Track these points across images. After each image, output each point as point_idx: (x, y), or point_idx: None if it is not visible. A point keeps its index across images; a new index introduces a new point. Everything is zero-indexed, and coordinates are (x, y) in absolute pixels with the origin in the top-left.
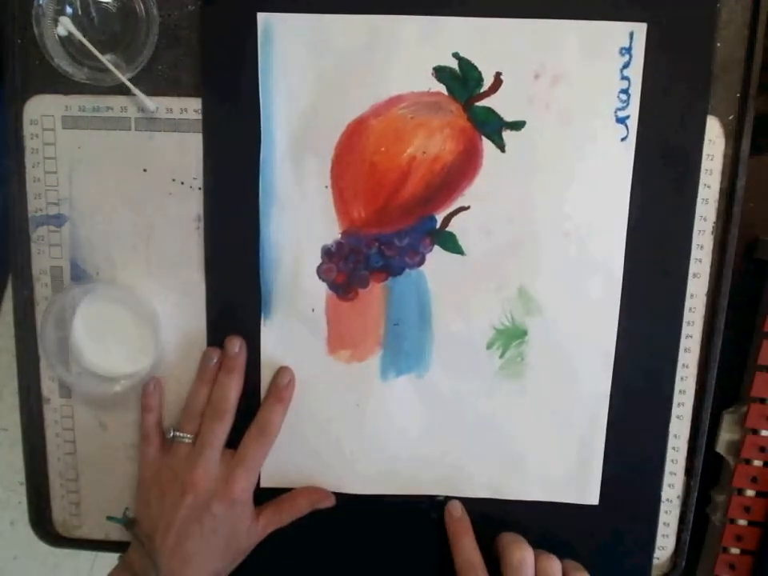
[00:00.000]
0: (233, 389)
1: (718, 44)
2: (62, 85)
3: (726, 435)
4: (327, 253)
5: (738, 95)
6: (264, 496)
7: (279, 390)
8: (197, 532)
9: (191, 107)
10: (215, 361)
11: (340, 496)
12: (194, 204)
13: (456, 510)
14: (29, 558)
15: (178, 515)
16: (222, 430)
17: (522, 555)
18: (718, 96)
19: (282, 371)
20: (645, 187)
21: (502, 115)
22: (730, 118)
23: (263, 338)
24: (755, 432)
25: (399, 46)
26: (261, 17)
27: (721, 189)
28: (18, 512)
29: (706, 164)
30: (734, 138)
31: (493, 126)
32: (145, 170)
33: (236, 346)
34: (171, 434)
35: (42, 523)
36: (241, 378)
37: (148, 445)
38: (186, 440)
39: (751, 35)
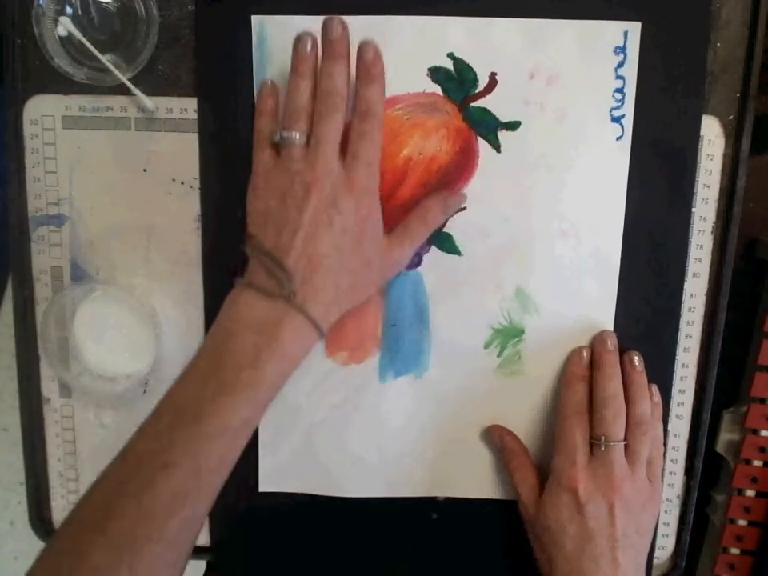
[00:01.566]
0: (342, 76)
1: (718, 44)
2: (61, 85)
3: (726, 435)
4: None
5: (738, 95)
6: (263, 498)
7: (367, 68)
8: (326, 233)
9: (191, 107)
10: (310, 49)
11: (339, 499)
12: (194, 204)
13: (613, 342)
14: (29, 558)
15: (304, 218)
16: (336, 124)
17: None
18: (718, 96)
19: (362, 46)
20: (641, 186)
21: (497, 115)
22: (730, 117)
23: None
24: (755, 432)
25: (394, 46)
26: (255, 19)
27: (721, 189)
28: (17, 512)
29: (705, 164)
30: (733, 138)
31: (488, 127)
32: (145, 170)
33: (338, 28)
34: (278, 136)
35: (42, 523)
36: (349, 64)
37: (261, 151)
38: (297, 139)
39: (751, 35)
